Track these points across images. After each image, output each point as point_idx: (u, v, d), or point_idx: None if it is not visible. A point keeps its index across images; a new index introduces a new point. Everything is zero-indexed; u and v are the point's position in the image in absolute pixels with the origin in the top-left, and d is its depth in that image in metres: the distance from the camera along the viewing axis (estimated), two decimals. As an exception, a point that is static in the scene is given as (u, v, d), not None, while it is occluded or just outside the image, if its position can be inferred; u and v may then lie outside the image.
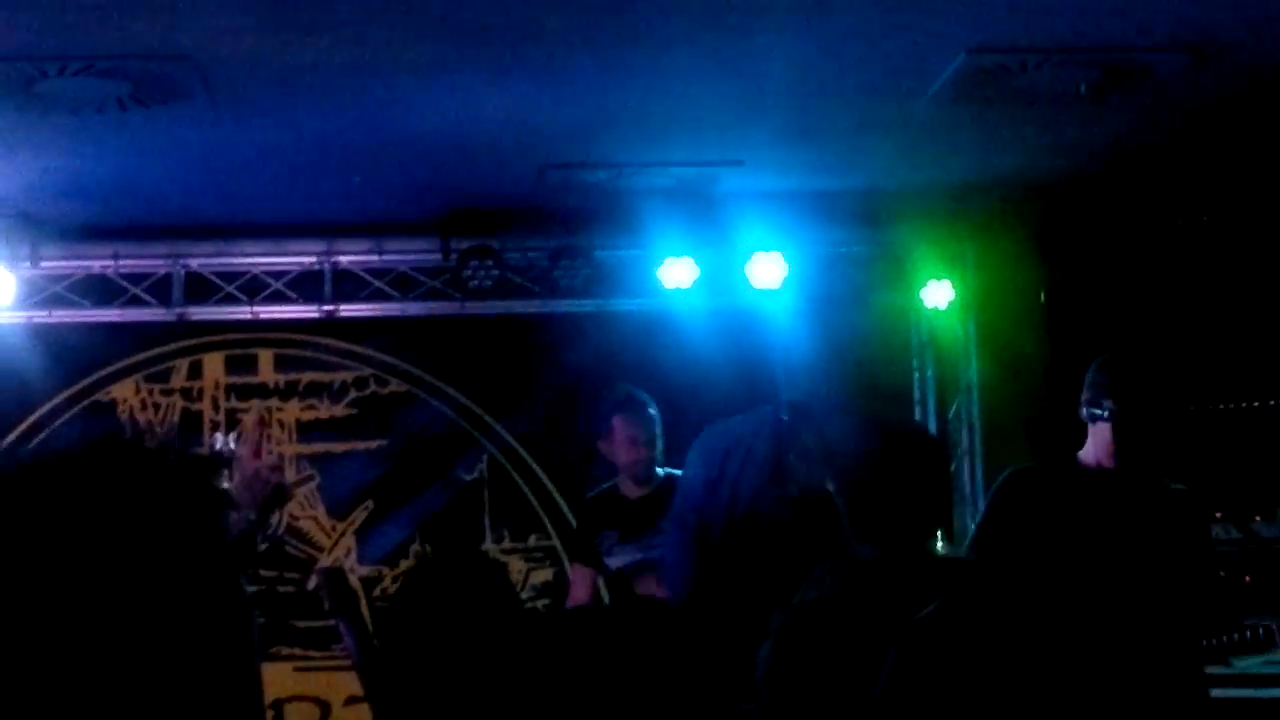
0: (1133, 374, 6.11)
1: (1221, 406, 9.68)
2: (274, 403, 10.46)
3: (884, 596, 2.13)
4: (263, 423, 5.57)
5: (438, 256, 10.13)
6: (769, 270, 10.13)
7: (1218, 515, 9.51)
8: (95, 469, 1.72)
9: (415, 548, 10.29)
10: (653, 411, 8.04)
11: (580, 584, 8.16)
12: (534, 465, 10.53)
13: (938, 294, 10.46)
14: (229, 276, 10.21)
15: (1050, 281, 10.07)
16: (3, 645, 1.60)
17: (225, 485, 1.86)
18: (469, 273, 9.93)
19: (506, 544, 10.47)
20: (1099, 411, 5.98)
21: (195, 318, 10.26)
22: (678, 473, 6.98)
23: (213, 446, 8.43)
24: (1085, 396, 6.11)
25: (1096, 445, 6.01)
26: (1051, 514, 5.74)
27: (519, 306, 10.30)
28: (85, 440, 1.76)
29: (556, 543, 10.46)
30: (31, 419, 10.15)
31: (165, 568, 1.67)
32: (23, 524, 1.65)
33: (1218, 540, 9.24)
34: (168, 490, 1.72)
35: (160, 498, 1.70)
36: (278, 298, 10.25)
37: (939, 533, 6.46)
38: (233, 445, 8.53)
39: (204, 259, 10.15)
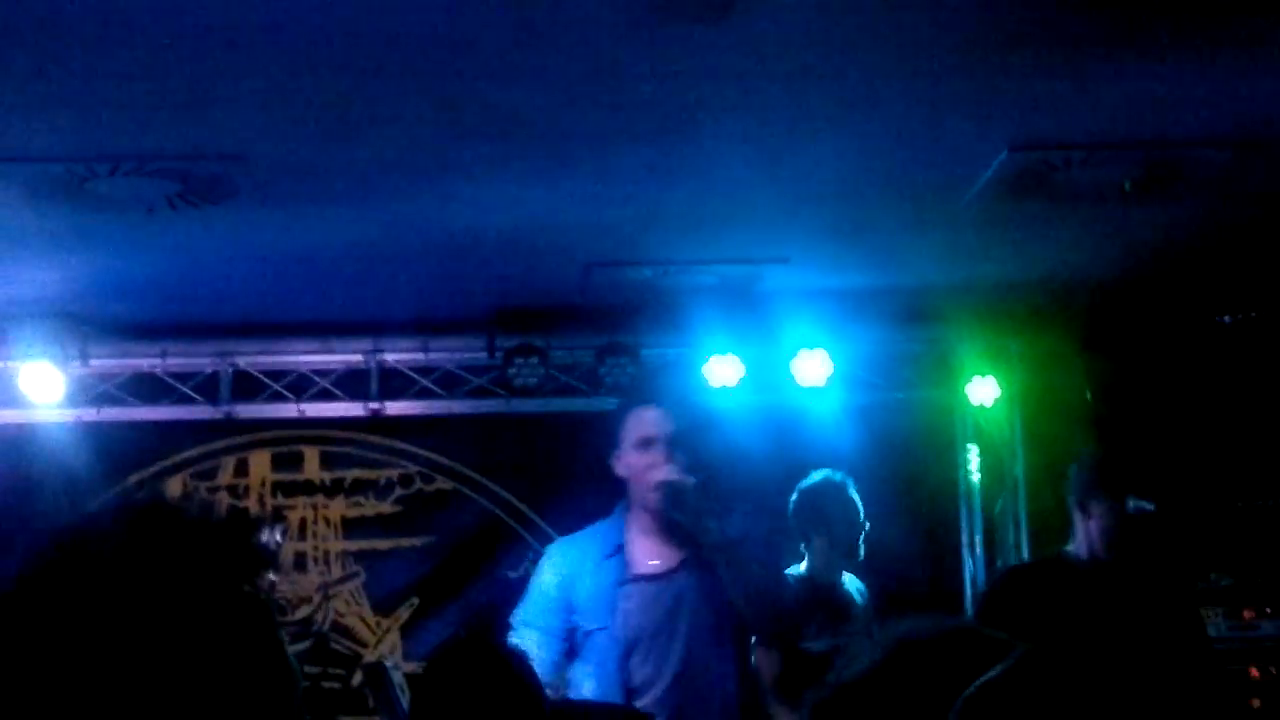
0: (1123, 469, 6.30)
1: (1271, 503, 9.63)
2: (320, 500, 10.48)
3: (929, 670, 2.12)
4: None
5: (484, 355, 10.17)
6: (814, 367, 10.14)
7: (1268, 610, 9.46)
8: (139, 531, 1.73)
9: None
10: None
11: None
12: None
13: (983, 391, 10.45)
14: (276, 375, 10.27)
15: (1096, 378, 10.05)
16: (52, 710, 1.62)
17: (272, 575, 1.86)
18: (515, 371, 9.96)
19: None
20: (1091, 506, 6.21)
21: (242, 415, 10.30)
22: None
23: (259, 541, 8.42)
24: (1076, 494, 6.30)
25: (1088, 539, 6.25)
26: (1049, 603, 5.87)
27: (565, 404, 10.31)
28: (129, 505, 1.77)
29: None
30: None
31: (208, 626, 1.68)
32: (68, 592, 1.66)
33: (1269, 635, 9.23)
34: (210, 548, 1.73)
35: (202, 557, 1.72)
36: (324, 396, 10.30)
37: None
38: (280, 538, 8.55)
39: (251, 357, 10.21)
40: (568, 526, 10.41)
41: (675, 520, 6.18)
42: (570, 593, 6.35)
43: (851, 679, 1.94)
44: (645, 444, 6.27)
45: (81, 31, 5.71)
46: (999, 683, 1.88)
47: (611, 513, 6.64)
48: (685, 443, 6.24)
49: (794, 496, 8.44)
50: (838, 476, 8.43)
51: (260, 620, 1.75)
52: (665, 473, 6.15)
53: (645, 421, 6.31)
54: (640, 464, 6.28)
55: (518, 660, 4.67)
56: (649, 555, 6.33)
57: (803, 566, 8.33)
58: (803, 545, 8.32)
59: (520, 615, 6.53)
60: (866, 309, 9.88)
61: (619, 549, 6.36)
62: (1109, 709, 1.84)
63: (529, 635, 6.28)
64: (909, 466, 10.45)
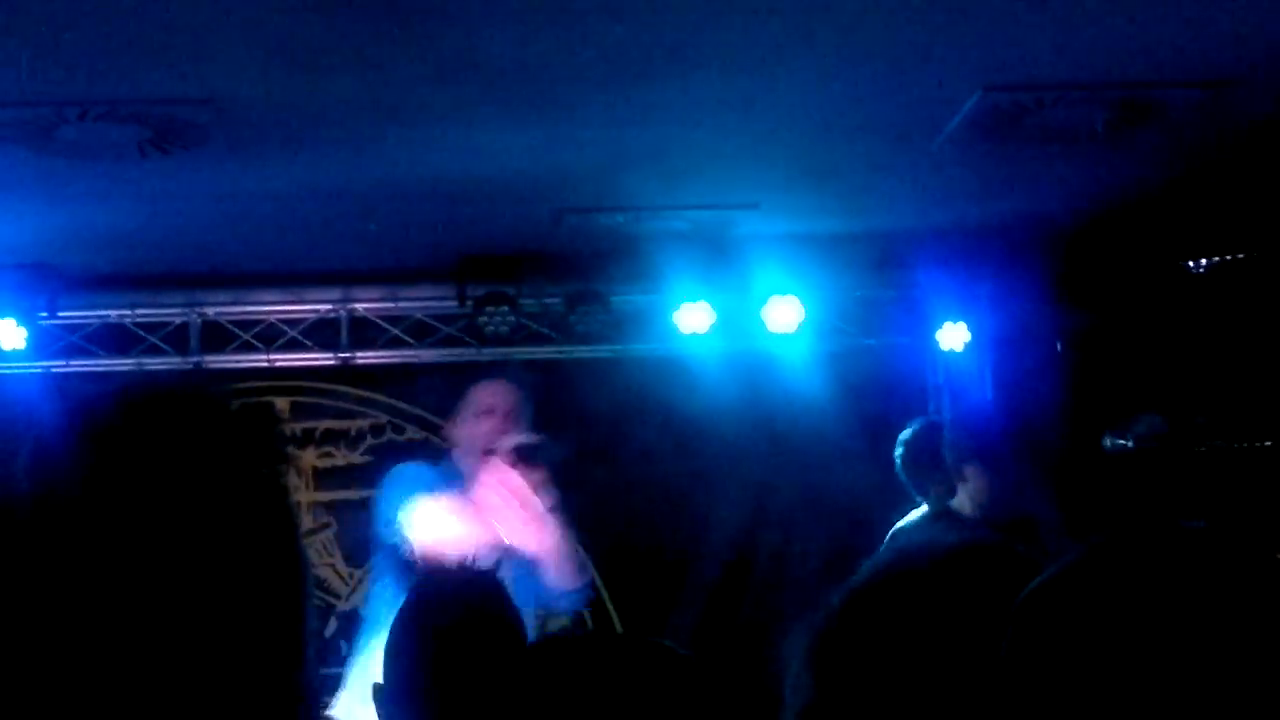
0: (996, 429, 6.37)
1: (1242, 445, 9.64)
2: (291, 450, 10.44)
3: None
4: None
5: (454, 303, 10.14)
6: (785, 314, 10.13)
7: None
8: (170, 407, 1.74)
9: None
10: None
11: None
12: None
13: (954, 336, 10.45)
14: (245, 325, 10.23)
15: (1068, 323, 10.05)
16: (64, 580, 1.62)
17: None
18: (485, 319, 9.94)
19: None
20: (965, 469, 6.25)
21: (212, 366, 10.25)
22: None
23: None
24: (951, 456, 6.34)
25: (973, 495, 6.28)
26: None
27: (535, 353, 10.28)
28: (154, 385, 1.78)
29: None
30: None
31: (229, 504, 1.67)
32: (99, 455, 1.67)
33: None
34: (233, 428, 1.73)
35: (228, 441, 1.71)
36: (294, 345, 10.26)
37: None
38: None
39: (220, 308, 10.17)
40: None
41: None
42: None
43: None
44: (487, 413, 6.79)
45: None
46: (1064, 576, 1.86)
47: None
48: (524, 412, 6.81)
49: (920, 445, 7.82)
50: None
51: (280, 503, 1.74)
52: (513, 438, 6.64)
53: (488, 393, 6.85)
54: (479, 432, 6.76)
55: (501, 590, 4.64)
56: None
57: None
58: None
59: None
60: (837, 255, 9.86)
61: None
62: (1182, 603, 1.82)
63: None
64: (880, 413, 10.44)
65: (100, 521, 1.66)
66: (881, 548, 6.54)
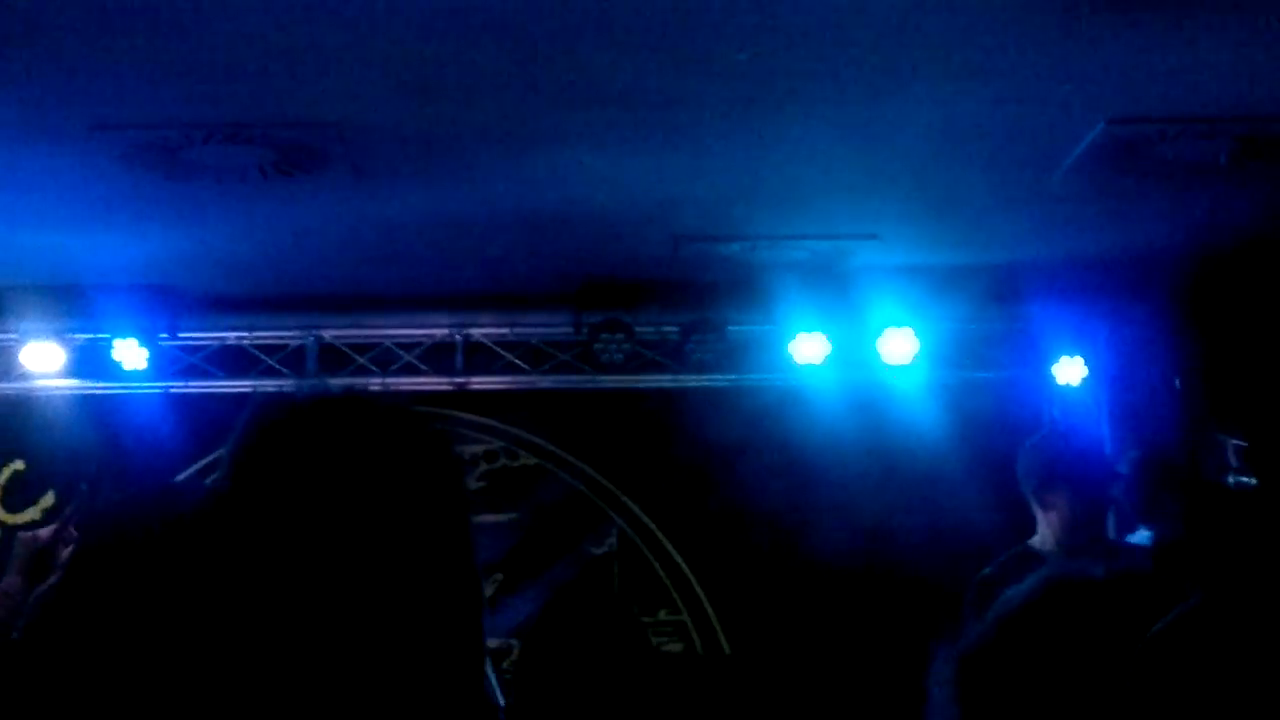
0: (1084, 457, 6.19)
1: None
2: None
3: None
4: None
5: (570, 330, 10.16)
6: (900, 346, 10.08)
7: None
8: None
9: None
10: None
11: None
12: (664, 540, 10.50)
13: (1070, 370, 10.36)
14: (362, 348, 10.29)
15: (1187, 357, 9.95)
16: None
17: None
18: (601, 346, 9.95)
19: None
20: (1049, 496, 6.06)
21: (329, 389, 10.30)
22: None
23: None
24: (1031, 484, 6.15)
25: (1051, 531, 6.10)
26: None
27: (651, 381, 10.29)
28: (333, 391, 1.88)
29: (686, 618, 10.42)
30: (169, 487, 10.22)
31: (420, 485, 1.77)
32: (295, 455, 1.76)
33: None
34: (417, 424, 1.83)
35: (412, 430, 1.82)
36: (410, 369, 10.31)
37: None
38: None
39: (337, 330, 10.24)
40: (653, 503, 10.49)
41: None
42: None
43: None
44: None
45: (180, 1, 5.73)
46: (1186, 622, 1.86)
47: None
48: None
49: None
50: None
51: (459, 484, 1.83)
52: None
53: None
54: None
55: (626, 614, 4.65)
56: None
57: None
58: None
59: None
60: (954, 287, 9.80)
61: None
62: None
63: None
64: (995, 447, 10.37)
65: (303, 515, 1.76)
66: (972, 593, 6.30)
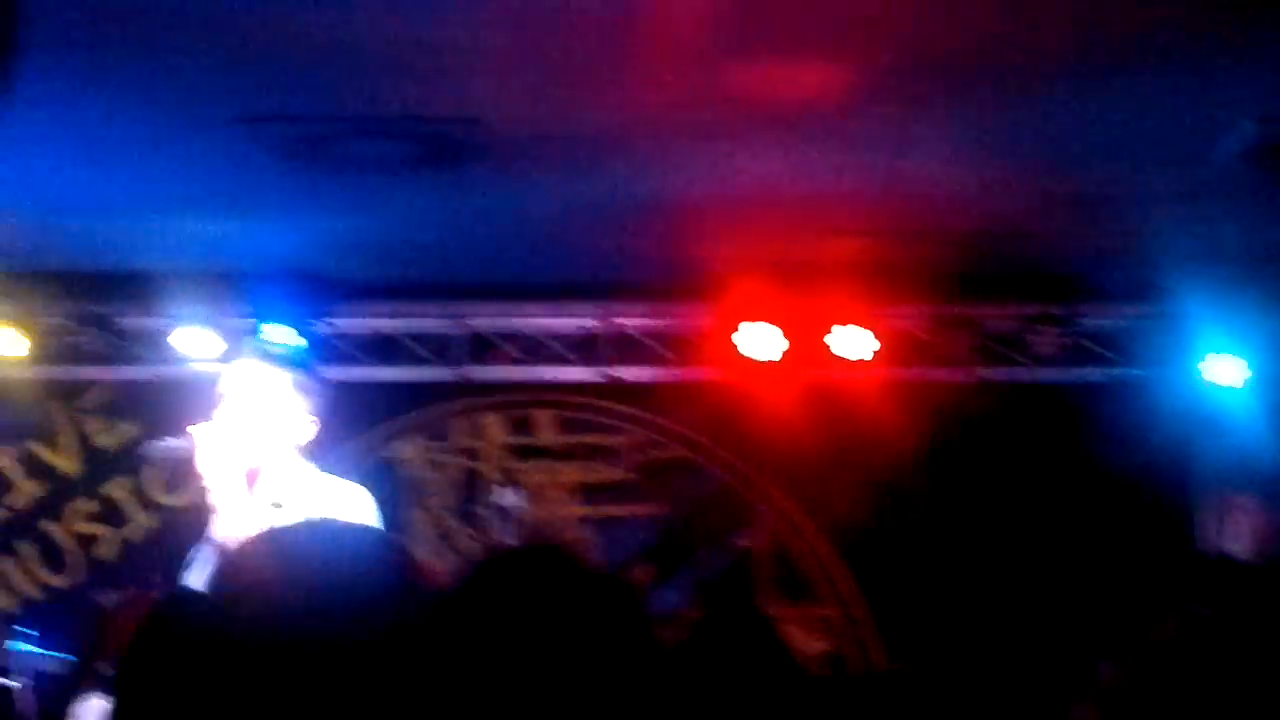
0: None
1: None
2: (554, 464, 10.55)
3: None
4: None
5: (713, 320, 10.12)
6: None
7: None
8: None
9: (693, 612, 10.25)
10: None
11: None
12: (813, 533, 10.46)
13: (1224, 369, 10.12)
14: (510, 337, 10.34)
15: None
16: None
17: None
18: (743, 337, 9.96)
19: (782, 612, 10.40)
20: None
21: (476, 377, 10.39)
22: None
23: (499, 503, 8.50)
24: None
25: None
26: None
27: (794, 373, 10.23)
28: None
29: (833, 612, 10.38)
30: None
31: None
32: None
33: None
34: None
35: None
36: (557, 359, 10.35)
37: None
38: (522, 501, 8.59)
39: (486, 319, 10.29)
40: (801, 495, 10.45)
41: None
42: None
43: None
44: None
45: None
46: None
47: None
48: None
49: None
50: None
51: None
52: None
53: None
54: None
55: (767, 631, 4.63)
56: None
57: None
58: None
59: None
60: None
61: None
62: None
63: None
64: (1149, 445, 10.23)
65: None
66: None
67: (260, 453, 4.93)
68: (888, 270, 9.45)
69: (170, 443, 4.99)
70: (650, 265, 9.70)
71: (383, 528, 4.89)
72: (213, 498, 4.93)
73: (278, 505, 4.87)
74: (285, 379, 5.06)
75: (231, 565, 2.02)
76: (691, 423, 10.53)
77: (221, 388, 4.99)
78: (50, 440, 10.48)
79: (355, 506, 4.96)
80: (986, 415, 10.19)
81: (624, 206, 8.46)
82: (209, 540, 4.95)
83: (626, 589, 2.07)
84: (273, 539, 2.08)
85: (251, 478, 4.91)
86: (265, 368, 5.05)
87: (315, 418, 5.10)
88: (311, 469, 5.06)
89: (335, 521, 2.07)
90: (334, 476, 5.08)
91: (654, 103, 6.86)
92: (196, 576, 4.86)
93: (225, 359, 5.26)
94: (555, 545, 2.02)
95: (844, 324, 9.94)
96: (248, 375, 5.02)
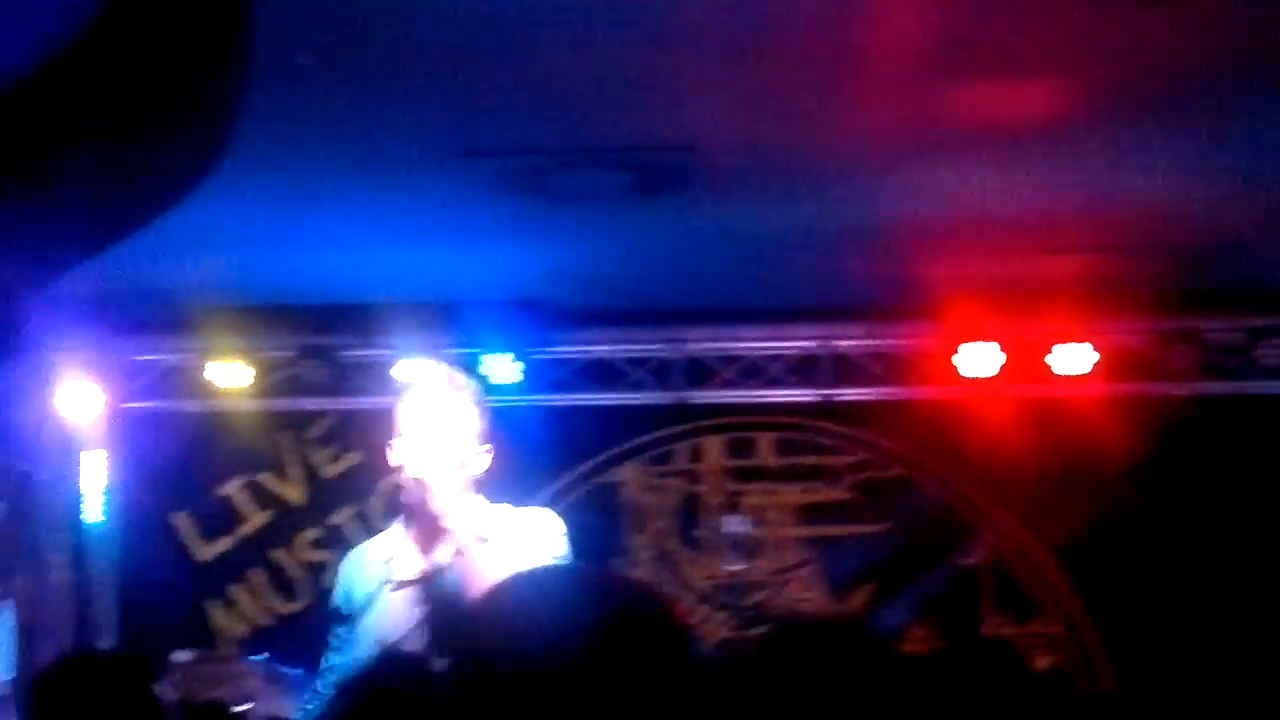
0: None
1: None
2: (773, 486, 10.54)
3: None
4: None
5: (932, 340, 10.07)
6: None
7: None
8: None
9: (918, 631, 10.20)
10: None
11: None
12: (1037, 551, 10.34)
13: None
14: (728, 361, 10.36)
15: None
16: None
17: None
18: (963, 357, 9.89)
19: (1006, 629, 10.31)
20: None
21: (695, 401, 10.42)
22: None
23: (726, 530, 8.57)
24: None
25: None
26: None
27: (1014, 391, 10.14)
28: None
29: (1059, 631, 10.26)
30: (539, 499, 10.39)
31: None
32: None
33: None
34: None
35: None
36: (776, 382, 10.34)
37: None
38: (749, 528, 8.64)
39: (703, 343, 10.32)
40: (1025, 513, 10.33)
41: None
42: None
43: None
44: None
45: (543, 31, 5.88)
46: None
47: None
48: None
49: None
50: None
51: None
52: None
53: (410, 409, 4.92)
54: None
55: (1008, 657, 4.58)
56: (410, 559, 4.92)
57: None
58: None
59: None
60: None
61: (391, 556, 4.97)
62: None
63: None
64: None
65: None
66: None
67: (454, 484, 4.71)
68: (1108, 286, 9.33)
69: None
70: (868, 287, 9.67)
71: (570, 551, 4.84)
72: (414, 533, 4.79)
73: (483, 539, 4.68)
74: (464, 407, 4.84)
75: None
76: (911, 442, 10.46)
77: (405, 416, 4.79)
78: (279, 470, 10.69)
79: (548, 532, 4.82)
80: (1208, 429, 10.04)
81: (841, 229, 8.45)
82: (389, 580, 4.78)
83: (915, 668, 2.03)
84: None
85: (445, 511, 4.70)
86: (445, 396, 4.85)
87: (489, 447, 4.86)
88: (482, 499, 4.83)
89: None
90: (507, 505, 4.88)
91: (871, 126, 6.84)
92: (382, 619, 4.77)
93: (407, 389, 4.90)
94: (848, 621, 1.98)
95: (1064, 342, 9.83)
96: (431, 404, 4.82)
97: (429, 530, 4.76)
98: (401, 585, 4.79)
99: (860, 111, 6.63)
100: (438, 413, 4.81)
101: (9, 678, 5.92)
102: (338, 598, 4.96)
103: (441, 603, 4.70)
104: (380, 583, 4.82)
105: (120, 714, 3.93)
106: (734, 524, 8.70)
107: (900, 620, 10.27)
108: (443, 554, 4.74)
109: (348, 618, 4.86)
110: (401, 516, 4.87)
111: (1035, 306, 9.65)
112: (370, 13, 5.94)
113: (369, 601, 4.83)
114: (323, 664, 4.96)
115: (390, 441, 4.81)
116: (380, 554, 4.90)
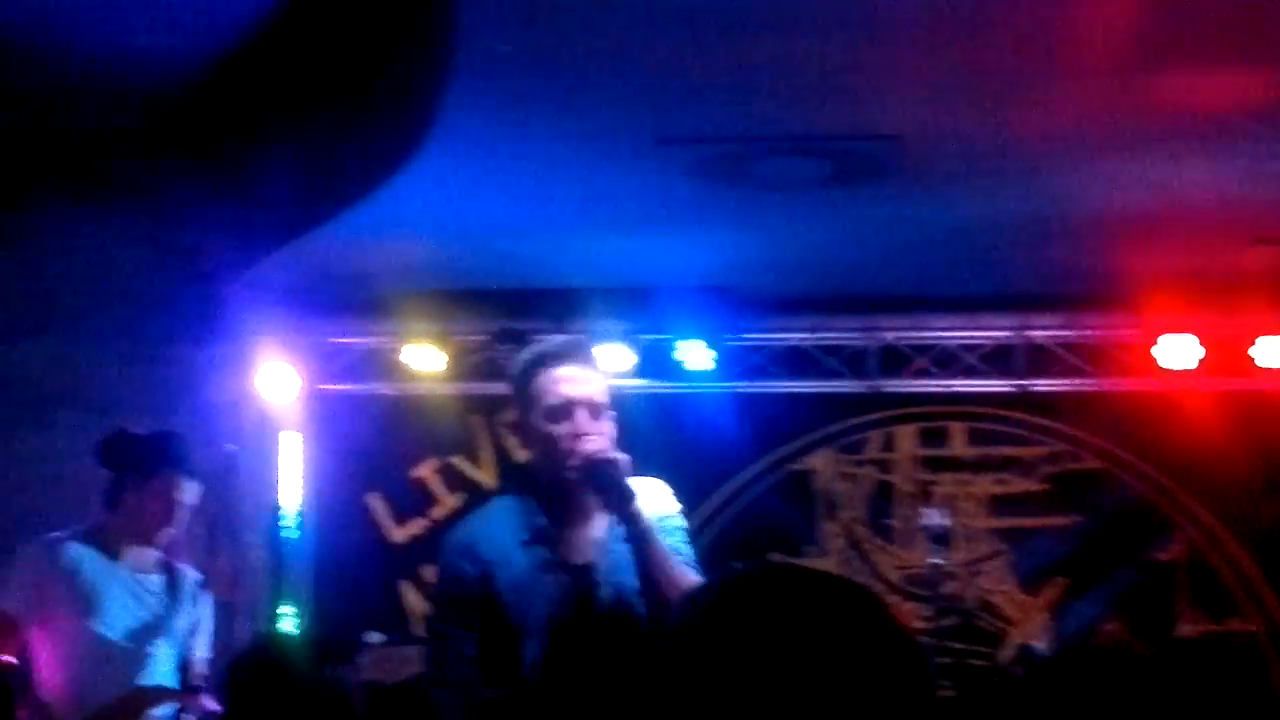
0: None
1: None
2: (966, 476, 10.45)
3: None
4: None
5: (1132, 331, 9.91)
6: None
7: None
8: None
9: (1109, 625, 10.05)
10: None
11: None
12: (1236, 547, 10.15)
13: None
14: (922, 349, 10.29)
15: None
16: None
17: None
18: (1160, 349, 9.72)
19: (1202, 626, 10.13)
20: None
21: (889, 390, 10.36)
22: None
23: (926, 524, 8.50)
24: None
25: None
26: None
27: (1218, 383, 9.96)
28: None
29: (1258, 629, 10.06)
30: (732, 485, 10.44)
31: None
32: None
33: None
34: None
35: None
36: (970, 371, 10.25)
37: None
38: (947, 521, 8.56)
39: (898, 332, 10.25)
40: (1223, 508, 10.15)
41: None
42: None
43: None
44: (565, 410, 4.69)
45: (743, 20, 5.86)
46: None
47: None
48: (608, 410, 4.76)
49: None
50: None
51: None
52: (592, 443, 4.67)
53: (564, 382, 4.71)
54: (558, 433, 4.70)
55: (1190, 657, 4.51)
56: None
57: None
58: None
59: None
60: None
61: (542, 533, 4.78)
62: None
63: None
64: None
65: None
66: None
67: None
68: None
69: None
70: (1066, 276, 9.55)
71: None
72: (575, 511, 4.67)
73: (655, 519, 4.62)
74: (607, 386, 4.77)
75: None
76: (1107, 434, 10.31)
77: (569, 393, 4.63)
78: (471, 453, 10.76)
79: (663, 500, 4.68)
80: None
81: (1040, 219, 8.35)
82: (548, 565, 4.63)
83: None
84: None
85: None
86: (598, 376, 4.75)
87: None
88: None
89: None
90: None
91: (1072, 115, 6.75)
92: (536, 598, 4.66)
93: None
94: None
95: (1268, 334, 9.64)
96: (599, 384, 4.72)
97: (594, 509, 4.66)
98: (562, 567, 4.67)
99: (1066, 99, 6.54)
100: (604, 392, 4.71)
101: (208, 656, 6.01)
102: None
103: (610, 586, 4.67)
104: (534, 563, 4.69)
105: (310, 698, 3.97)
106: (933, 516, 8.62)
107: (1093, 615, 10.14)
108: (602, 533, 4.67)
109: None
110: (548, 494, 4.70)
111: (1238, 298, 9.47)
112: (569, 1, 5.96)
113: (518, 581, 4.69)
114: None
115: (571, 420, 4.62)
116: (522, 531, 4.74)
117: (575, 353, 4.79)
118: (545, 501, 4.75)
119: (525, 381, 4.72)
